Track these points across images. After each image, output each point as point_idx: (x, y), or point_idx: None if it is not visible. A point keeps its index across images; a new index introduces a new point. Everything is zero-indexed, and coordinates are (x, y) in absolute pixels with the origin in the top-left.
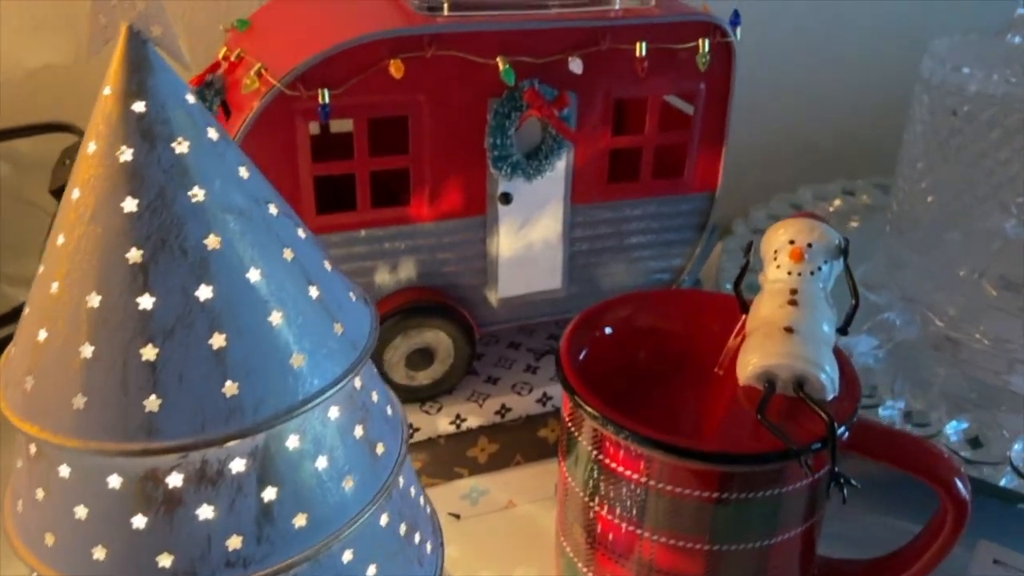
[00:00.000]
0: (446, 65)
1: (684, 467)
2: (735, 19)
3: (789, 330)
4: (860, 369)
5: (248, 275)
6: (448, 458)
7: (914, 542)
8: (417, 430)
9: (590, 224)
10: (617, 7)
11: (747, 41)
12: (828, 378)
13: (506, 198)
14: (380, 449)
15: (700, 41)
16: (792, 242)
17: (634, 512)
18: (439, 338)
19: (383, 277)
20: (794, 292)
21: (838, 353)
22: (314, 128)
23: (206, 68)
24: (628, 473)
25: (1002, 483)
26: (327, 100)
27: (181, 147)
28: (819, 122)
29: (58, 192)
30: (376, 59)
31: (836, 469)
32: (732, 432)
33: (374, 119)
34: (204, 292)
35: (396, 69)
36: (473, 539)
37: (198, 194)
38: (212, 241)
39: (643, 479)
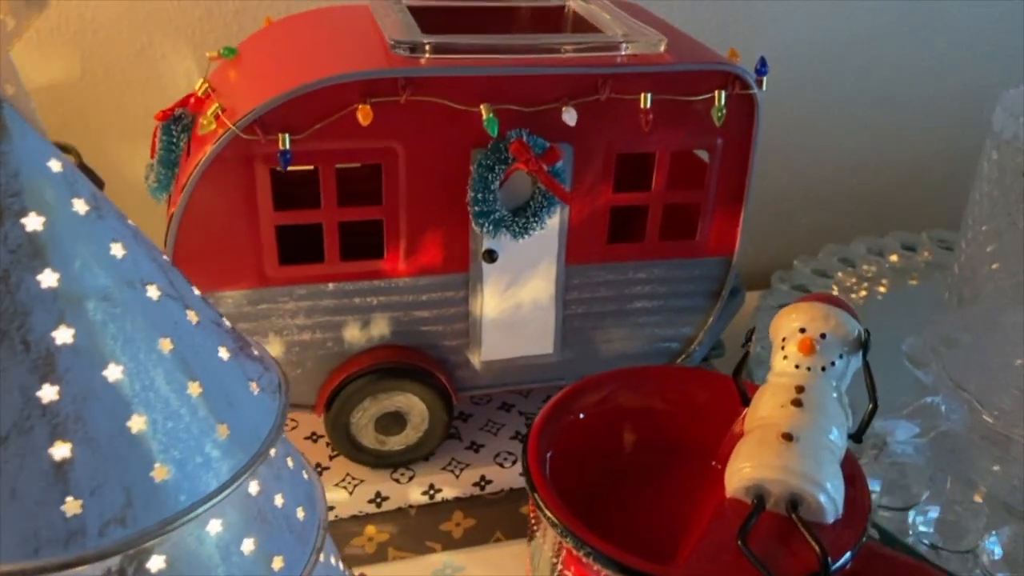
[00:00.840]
0: (424, 111)
1: None
2: (761, 68)
3: (788, 437)
4: (895, 461)
5: (105, 372)
6: (419, 531)
7: None
8: (386, 499)
9: (587, 286)
10: (623, 53)
11: (803, 74)
12: (829, 499)
13: (491, 255)
14: (278, 564)
15: (716, 93)
16: (803, 330)
17: None
18: (412, 403)
19: (353, 333)
20: (800, 390)
21: (848, 464)
22: None
23: (177, 101)
24: None
25: None
26: (287, 146)
27: (35, 223)
28: (880, 167)
29: None
30: (344, 103)
31: None
32: (711, 556)
33: (344, 167)
34: (47, 393)
35: (364, 115)
36: None
37: (50, 278)
38: (62, 333)
39: None
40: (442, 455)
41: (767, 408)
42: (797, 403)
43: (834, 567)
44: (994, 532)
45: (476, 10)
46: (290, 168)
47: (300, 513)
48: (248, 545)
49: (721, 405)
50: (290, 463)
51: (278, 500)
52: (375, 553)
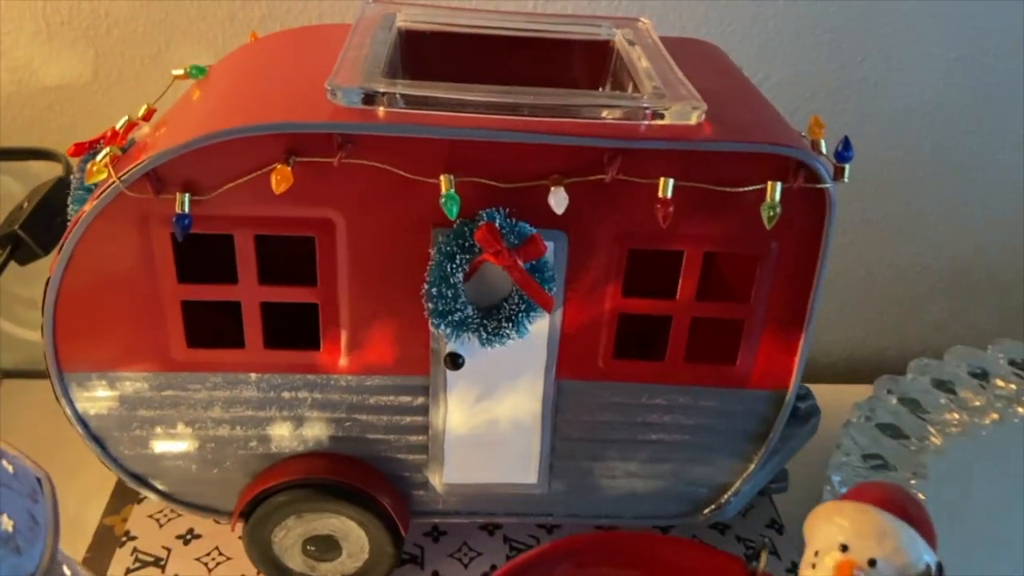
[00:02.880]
0: (371, 176)
1: None
2: (843, 153)
3: None
4: None
5: None
6: None
7: None
8: None
9: (585, 407)
10: (644, 121)
11: (943, 128)
12: None
13: (455, 361)
14: None
15: (768, 186)
16: (845, 548)
17: None
18: (347, 528)
19: (281, 432)
20: None
21: None
22: None
23: (101, 134)
24: None
25: None
26: (186, 209)
27: None
28: None
29: (2, 240)
30: (262, 160)
31: None
32: None
33: (267, 237)
34: None
35: (279, 180)
36: None
37: None
38: None
39: None
40: None
41: None
42: None
43: None
44: None
45: (493, 40)
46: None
47: None
48: None
49: None
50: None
51: None
52: None
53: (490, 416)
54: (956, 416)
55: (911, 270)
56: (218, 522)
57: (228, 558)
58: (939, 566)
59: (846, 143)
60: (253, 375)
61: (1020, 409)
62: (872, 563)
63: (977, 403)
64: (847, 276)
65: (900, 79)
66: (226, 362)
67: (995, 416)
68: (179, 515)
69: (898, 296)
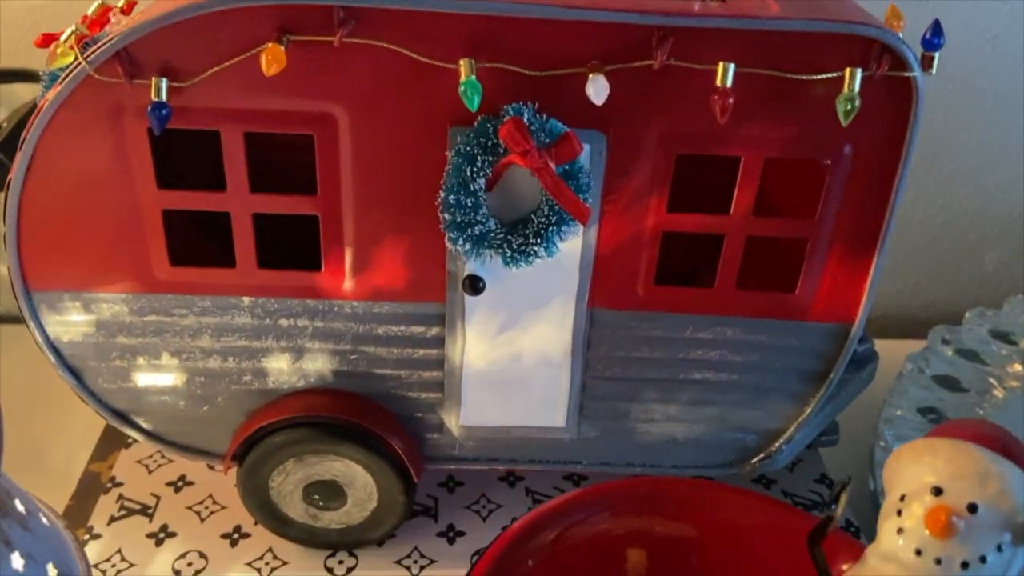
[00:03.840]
0: (380, 63)
1: None
2: (933, 39)
3: None
4: None
5: None
6: None
7: None
8: None
9: (622, 342)
10: None
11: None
12: None
13: (475, 285)
14: None
15: (846, 73)
16: (938, 491)
17: None
18: (353, 473)
19: (279, 366)
20: None
21: None
22: None
23: (85, 16)
24: None
25: None
26: (163, 96)
27: None
28: None
29: None
30: (251, 39)
31: None
32: None
33: (259, 135)
34: None
35: (270, 60)
36: None
37: None
38: None
39: None
40: (404, 539)
41: None
42: None
43: None
44: None
45: None
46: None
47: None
48: None
49: (782, 552)
50: (20, 506)
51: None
52: None
53: (513, 350)
54: (1019, 368)
55: (965, 216)
56: (212, 467)
57: (223, 507)
58: None
59: (936, 28)
60: (246, 299)
61: None
62: (972, 508)
63: None
64: (898, 222)
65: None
66: (215, 283)
67: None
68: (170, 461)
69: (951, 244)
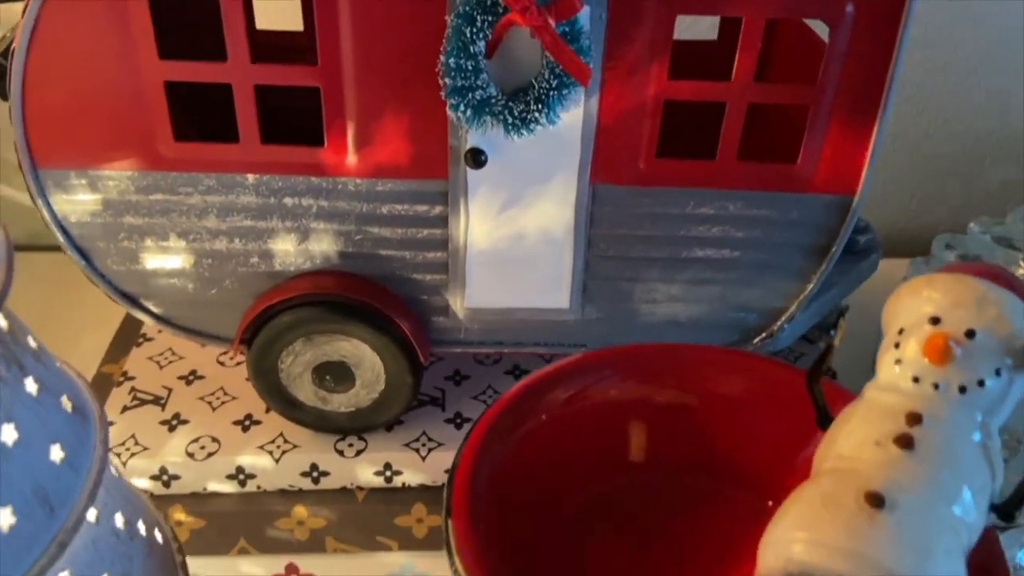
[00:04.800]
0: None
1: None
2: None
3: (877, 501)
4: None
5: None
6: (368, 522)
7: None
8: (325, 474)
9: (624, 219)
10: None
11: None
12: None
13: (477, 158)
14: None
15: None
16: (936, 320)
17: None
18: (361, 353)
19: (285, 247)
20: (915, 419)
21: (986, 554)
22: None
23: None
24: None
25: None
26: None
27: None
28: None
29: None
30: None
31: None
32: None
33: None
34: None
35: None
36: None
37: None
38: None
39: None
40: (412, 425)
41: (854, 441)
42: (905, 442)
43: None
44: None
45: None
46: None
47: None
48: None
49: (785, 415)
50: (32, 342)
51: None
52: (309, 540)
53: (516, 228)
54: (1022, 272)
55: (968, 134)
56: (222, 363)
57: (234, 397)
58: None
59: None
60: (251, 176)
61: None
62: (970, 334)
63: None
64: (899, 140)
65: None
66: (219, 160)
67: None
68: (181, 357)
69: (954, 162)
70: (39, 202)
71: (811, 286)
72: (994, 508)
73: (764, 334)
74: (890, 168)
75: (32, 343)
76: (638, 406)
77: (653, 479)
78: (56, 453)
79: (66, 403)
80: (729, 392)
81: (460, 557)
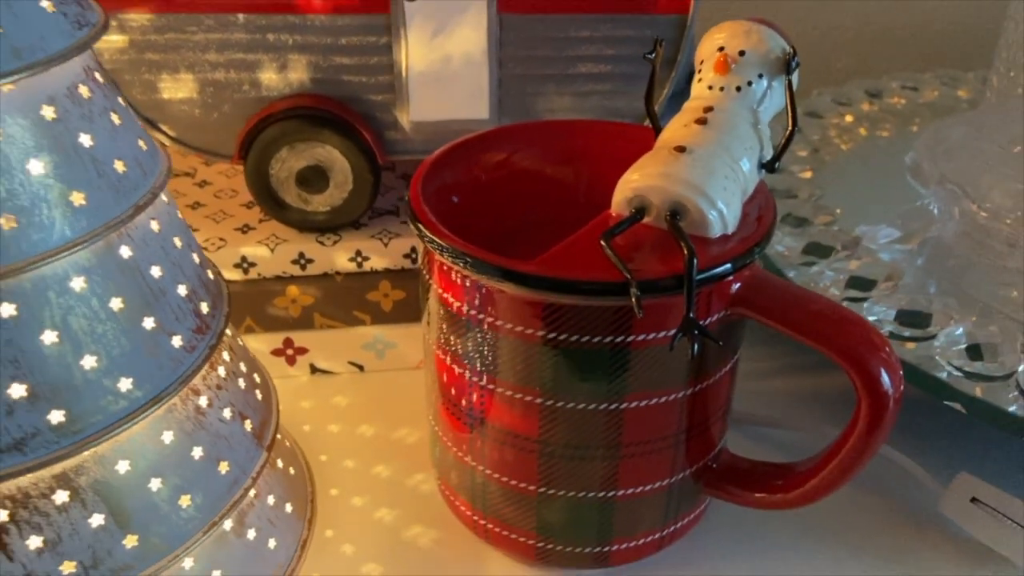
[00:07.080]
0: None
1: (508, 296)
2: None
3: (681, 149)
4: (871, 260)
5: None
6: (346, 300)
7: (829, 447)
8: (310, 261)
9: (524, 42)
10: None
11: None
12: (711, 208)
13: None
14: (150, 325)
15: None
16: (721, 49)
17: (469, 356)
18: (332, 157)
19: (270, 76)
20: (708, 110)
21: (760, 195)
22: None
23: None
24: (460, 306)
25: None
26: None
27: None
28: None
29: None
30: None
31: (692, 315)
32: (572, 255)
33: None
34: None
35: None
36: (368, 392)
37: None
38: None
39: (473, 312)
40: (375, 225)
41: (671, 130)
42: (702, 121)
43: (707, 274)
44: (955, 325)
45: None
46: None
47: (182, 290)
48: (116, 304)
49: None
50: (177, 243)
51: (155, 271)
52: (301, 318)
53: (445, 52)
54: (850, 119)
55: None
56: (218, 197)
57: (231, 215)
58: (793, 50)
59: None
60: (240, 16)
61: (913, 127)
62: (742, 53)
63: (872, 113)
64: None
65: None
66: (217, 2)
67: (889, 129)
68: (183, 195)
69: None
70: None
71: (667, 90)
72: (763, 165)
73: None
74: None
75: (120, 99)
76: (541, 161)
77: (561, 212)
78: (142, 144)
79: (142, 144)
80: (610, 148)
81: (416, 212)
